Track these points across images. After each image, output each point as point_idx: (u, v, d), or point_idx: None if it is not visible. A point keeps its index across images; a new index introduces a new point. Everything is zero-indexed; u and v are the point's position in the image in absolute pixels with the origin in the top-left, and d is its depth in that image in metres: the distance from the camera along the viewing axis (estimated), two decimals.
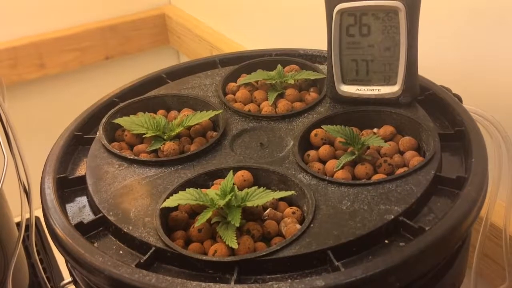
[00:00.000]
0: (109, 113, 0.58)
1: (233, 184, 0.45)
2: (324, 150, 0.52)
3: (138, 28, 1.34)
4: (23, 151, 0.65)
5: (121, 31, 1.31)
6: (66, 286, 0.58)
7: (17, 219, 0.80)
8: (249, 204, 0.43)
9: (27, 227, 0.67)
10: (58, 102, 1.30)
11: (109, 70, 1.35)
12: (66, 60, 1.27)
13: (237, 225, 0.42)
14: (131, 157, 0.52)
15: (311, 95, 0.60)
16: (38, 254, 0.99)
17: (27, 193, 0.68)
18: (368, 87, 0.56)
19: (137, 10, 1.34)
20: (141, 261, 0.41)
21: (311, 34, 0.89)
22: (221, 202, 0.43)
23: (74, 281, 0.48)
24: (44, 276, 0.77)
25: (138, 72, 1.39)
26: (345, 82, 0.57)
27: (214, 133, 0.57)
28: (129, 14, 1.33)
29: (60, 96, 1.30)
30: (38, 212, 0.70)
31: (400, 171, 0.49)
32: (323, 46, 0.58)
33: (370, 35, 0.54)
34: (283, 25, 0.99)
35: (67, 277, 0.93)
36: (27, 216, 0.66)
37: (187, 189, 0.45)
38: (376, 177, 0.48)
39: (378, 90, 0.55)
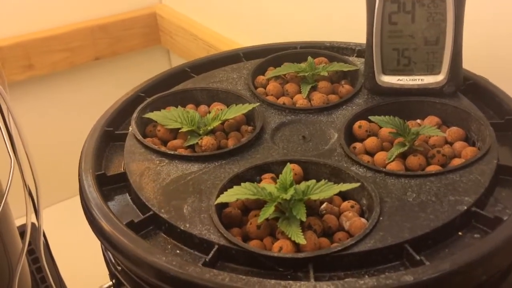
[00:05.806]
0: (139, 108, 0.54)
1: (292, 177, 0.42)
2: (372, 142, 0.50)
3: (129, 28, 1.30)
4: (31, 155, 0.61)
5: (111, 31, 1.27)
6: None
7: (17, 222, 0.75)
8: (313, 197, 0.41)
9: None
10: (47, 104, 1.25)
11: (100, 70, 1.30)
12: (55, 60, 1.22)
13: (304, 219, 0.39)
14: (172, 153, 0.49)
15: (345, 88, 0.58)
16: (37, 261, 0.94)
17: (33, 199, 0.64)
18: (411, 77, 0.54)
19: (127, 9, 1.30)
20: (206, 260, 0.38)
21: (309, 28, 0.87)
22: (285, 196, 0.40)
23: (117, 285, 0.44)
24: (52, 282, 0.74)
25: (129, 73, 1.35)
26: (385, 72, 0.55)
27: (249, 127, 0.54)
28: (119, 13, 1.29)
29: (50, 97, 1.25)
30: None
31: (455, 162, 0.47)
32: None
33: (414, 23, 0.52)
34: (277, 21, 0.97)
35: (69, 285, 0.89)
36: (33, 220, 0.62)
37: (242, 184, 0.42)
38: (431, 168, 0.46)
39: (421, 80, 0.54)
